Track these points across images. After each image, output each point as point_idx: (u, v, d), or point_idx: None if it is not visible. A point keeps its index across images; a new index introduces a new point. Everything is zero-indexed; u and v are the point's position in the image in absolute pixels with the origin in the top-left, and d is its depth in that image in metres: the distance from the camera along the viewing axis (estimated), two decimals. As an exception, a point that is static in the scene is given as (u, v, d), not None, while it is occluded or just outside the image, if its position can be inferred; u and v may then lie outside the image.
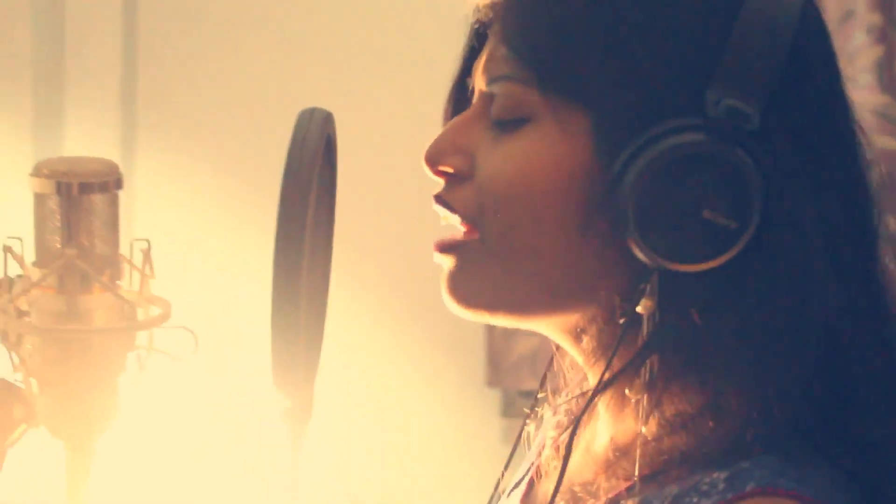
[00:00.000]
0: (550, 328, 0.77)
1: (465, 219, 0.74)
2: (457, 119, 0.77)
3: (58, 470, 0.82)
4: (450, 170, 0.76)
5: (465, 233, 0.75)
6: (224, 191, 2.40)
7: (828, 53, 0.74)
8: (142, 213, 2.29)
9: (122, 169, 0.81)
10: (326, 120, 0.73)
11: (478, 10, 0.76)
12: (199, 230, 2.38)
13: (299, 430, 0.74)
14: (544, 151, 0.72)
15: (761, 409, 0.68)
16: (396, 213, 0.78)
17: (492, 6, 0.75)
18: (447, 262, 0.75)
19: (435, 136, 0.77)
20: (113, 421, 0.80)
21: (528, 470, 0.86)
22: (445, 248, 0.75)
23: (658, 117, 0.69)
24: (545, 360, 0.87)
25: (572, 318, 0.75)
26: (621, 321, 0.71)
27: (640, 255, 0.69)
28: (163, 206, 2.35)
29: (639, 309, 0.70)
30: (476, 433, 2.37)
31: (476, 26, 0.77)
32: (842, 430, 0.71)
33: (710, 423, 0.69)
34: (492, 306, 0.75)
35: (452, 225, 0.76)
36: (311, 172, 0.69)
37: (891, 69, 2.66)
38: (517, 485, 0.86)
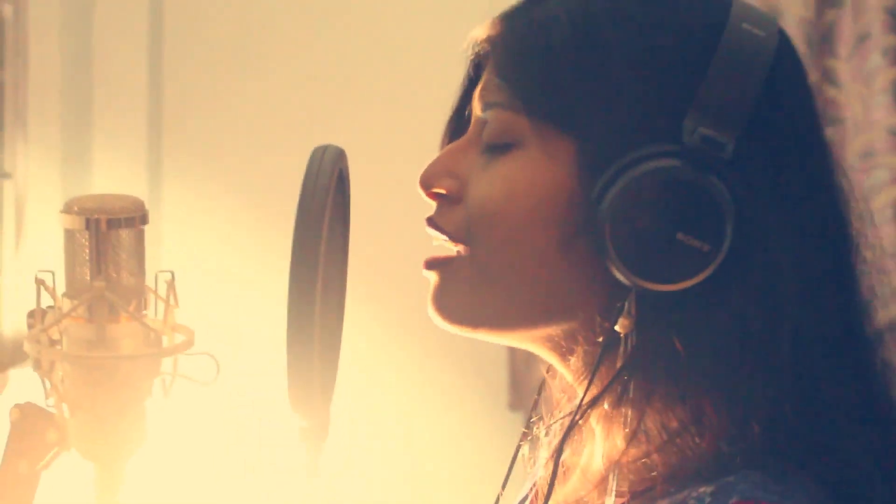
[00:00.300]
0: (536, 345, 0.78)
1: (454, 239, 0.77)
2: (451, 145, 0.80)
3: (89, 492, 0.85)
4: (442, 191, 0.78)
5: (456, 252, 0.77)
6: (244, 224, 2.44)
7: (801, 88, 0.76)
8: (167, 246, 2.33)
9: (147, 204, 0.83)
10: (339, 156, 0.76)
11: (476, 44, 0.80)
12: (220, 262, 2.41)
13: (316, 448, 0.76)
14: (530, 174, 0.74)
15: (738, 424, 0.70)
16: (417, 240, 0.81)
17: (488, 40, 0.79)
18: (433, 278, 0.78)
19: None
20: (141, 444, 0.82)
21: (529, 491, 0.88)
22: (433, 264, 0.78)
23: (637, 144, 0.71)
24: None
25: (554, 336, 0.76)
26: (600, 339, 0.73)
27: (617, 275, 0.71)
28: (187, 240, 2.39)
29: (617, 328, 0.72)
30: (499, 456, 2.39)
31: (474, 59, 0.80)
32: (817, 445, 0.72)
33: (693, 438, 0.71)
34: (474, 321, 0.77)
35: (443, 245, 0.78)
36: (324, 204, 0.72)
37: (906, 90, 2.67)
38: None
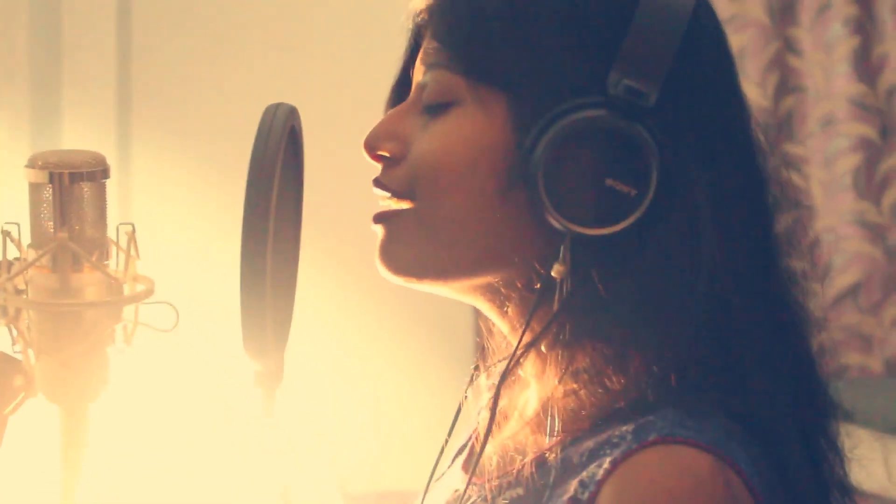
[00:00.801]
0: (475, 296, 0.82)
1: (398, 196, 0.81)
2: (393, 109, 0.84)
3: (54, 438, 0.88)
4: (386, 154, 0.82)
5: (397, 207, 0.81)
6: (204, 177, 2.47)
7: (719, 42, 0.81)
8: (135, 201, 2.36)
9: (115, 161, 0.86)
10: (290, 113, 0.79)
11: (415, 14, 0.84)
12: (180, 215, 2.44)
13: (270, 392, 0.80)
14: (468, 129, 0.79)
15: (658, 362, 0.75)
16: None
17: (427, 9, 0.83)
18: (380, 231, 0.82)
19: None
20: (103, 387, 0.85)
21: (470, 437, 0.92)
22: (380, 218, 0.82)
23: (566, 97, 0.76)
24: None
25: (493, 284, 0.80)
26: (537, 286, 0.77)
27: (551, 220, 0.75)
28: (153, 196, 2.42)
29: (553, 273, 0.76)
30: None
31: (413, 29, 0.84)
32: (731, 383, 0.76)
33: (618, 378, 0.75)
34: (418, 272, 0.81)
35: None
36: (275, 159, 0.75)
37: (867, 59, 2.71)
38: (460, 451, 0.92)
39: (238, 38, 2.57)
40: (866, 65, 2.71)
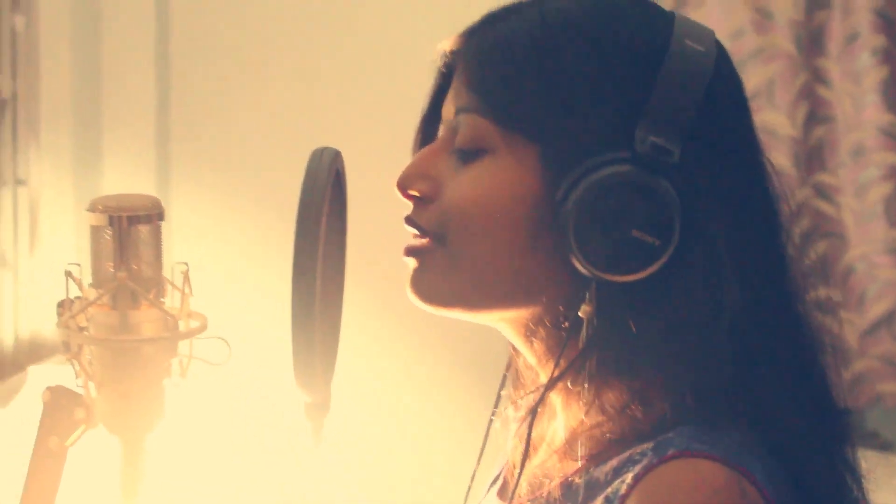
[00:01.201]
0: (503, 325, 0.86)
1: (429, 235, 0.85)
2: (425, 149, 0.87)
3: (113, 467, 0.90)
4: (417, 194, 0.86)
5: (429, 243, 0.85)
6: (251, 217, 2.51)
7: (737, 96, 0.84)
8: (177, 241, 2.40)
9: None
10: (335, 157, 0.83)
11: (444, 55, 0.87)
12: (230, 255, 2.49)
13: (319, 422, 0.84)
14: (500, 179, 0.82)
15: (681, 395, 0.78)
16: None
17: (455, 53, 0.86)
18: (412, 264, 0.86)
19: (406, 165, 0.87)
20: (160, 419, 0.88)
21: (502, 468, 0.95)
22: (411, 251, 0.86)
23: (595, 151, 0.79)
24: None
25: (521, 318, 0.84)
26: (565, 325, 0.81)
27: (579, 267, 0.79)
28: (195, 235, 2.47)
29: (579, 313, 0.80)
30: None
31: (443, 70, 0.88)
32: (752, 408, 0.80)
33: (641, 410, 0.79)
34: (447, 302, 0.85)
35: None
36: (321, 202, 0.79)
37: (896, 88, 2.72)
38: (495, 480, 0.96)
39: (275, 79, 2.62)
40: (895, 94, 2.72)
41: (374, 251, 2.14)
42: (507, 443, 0.96)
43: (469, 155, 0.84)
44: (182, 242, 2.42)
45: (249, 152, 2.57)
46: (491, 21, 0.86)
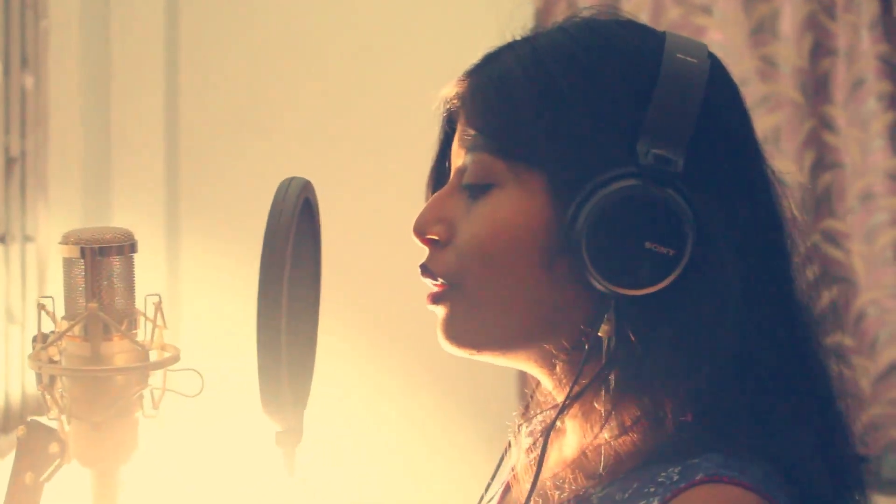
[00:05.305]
0: (528, 363, 0.86)
1: (447, 280, 0.85)
2: (437, 193, 0.89)
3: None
4: (434, 237, 0.87)
5: (449, 288, 0.85)
6: (225, 255, 2.52)
7: (735, 103, 0.85)
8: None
9: (165, 262, 0.88)
10: (304, 186, 0.83)
11: (446, 101, 0.89)
12: (203, 288, 2.49)
13: (290, 451, 0.84)
14: (511, 211, 0.83)
15: (690, 409, 0.79)
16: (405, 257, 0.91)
17: (457, 96, 0.88)
18: (440, 311, 0.86)
19: (420, 210, 0.89)
20: (133, 451, 0.88)
21: (505, 479, 0.95)
22: (436, 299, 0.86)
23: (599, 170, 0.80)
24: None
25: (546, 350, 0.84)
26: (587, 346, 0.81)
27: (596, 285, 0.79)
28: (173, 267, 2.47)
29: (600, 333, 0.80)
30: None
31: (446, 115, 0.90)
32: (765, 430, 0.80)
33: (655, 424, 0.79)
34: (477, 345, 0.86)
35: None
36: (287, 231, 0.79)
37: (902, 134, 2.72)
38: (493, 495, 0.96)
39: (279, 134, 2.65)
40: (901, 139, 2.72)
41: (362, 277, 2.15)
42: (513, 455, 0.95)
43: (478, 190, 0.85)
44: (162, 277, 2.41)
45: (254, 210, 2.60)
46: (486, 61, 0.88)
